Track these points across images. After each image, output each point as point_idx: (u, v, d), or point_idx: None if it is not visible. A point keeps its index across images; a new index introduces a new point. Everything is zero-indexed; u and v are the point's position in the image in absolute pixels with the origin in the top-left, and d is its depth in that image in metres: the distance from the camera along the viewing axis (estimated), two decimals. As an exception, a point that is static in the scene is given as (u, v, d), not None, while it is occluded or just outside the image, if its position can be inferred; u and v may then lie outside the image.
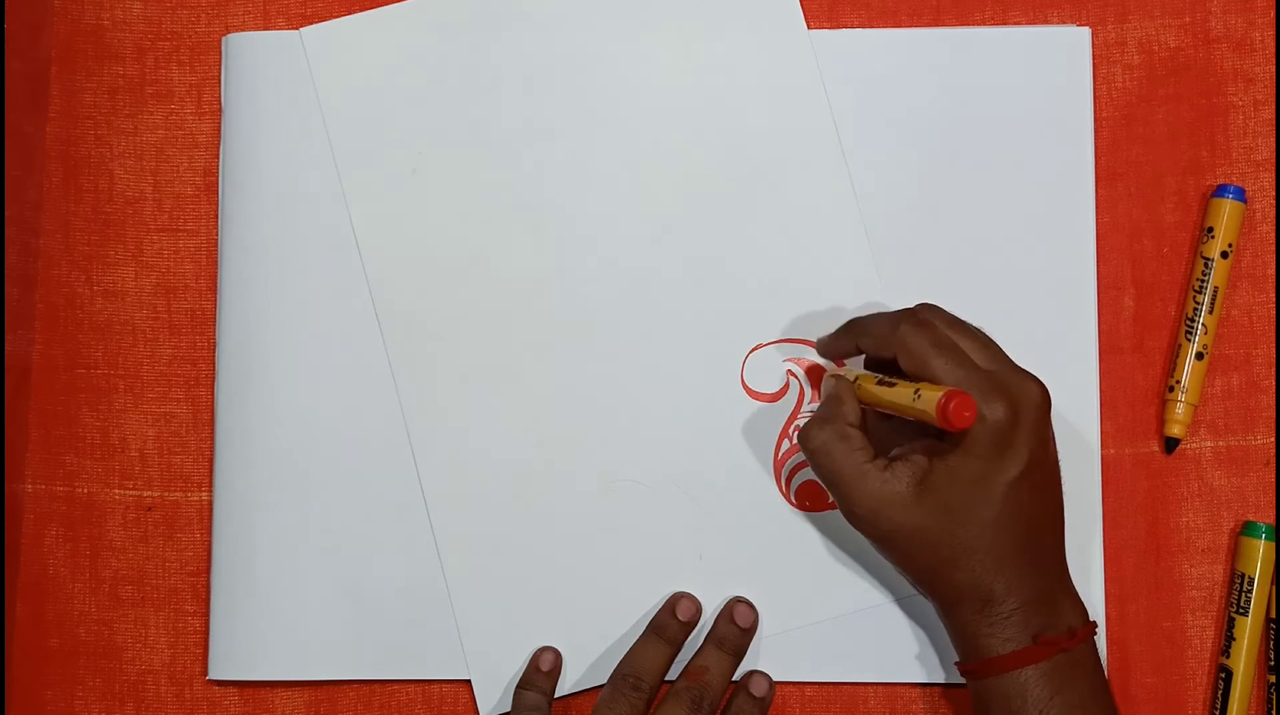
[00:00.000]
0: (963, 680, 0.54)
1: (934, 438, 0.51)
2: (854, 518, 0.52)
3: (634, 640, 0.57)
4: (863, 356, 0.55)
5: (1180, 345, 0.59)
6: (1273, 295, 0.60)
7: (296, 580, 0.58)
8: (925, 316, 0.52)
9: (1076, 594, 0.52)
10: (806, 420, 0.54)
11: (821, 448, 0.52)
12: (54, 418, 0.61)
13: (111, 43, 0.62)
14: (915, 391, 0.49)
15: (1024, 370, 0.51)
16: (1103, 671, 0.52)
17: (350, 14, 0.61)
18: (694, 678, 0.56)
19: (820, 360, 0.59)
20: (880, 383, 0.52)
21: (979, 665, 0.51)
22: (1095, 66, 0.60)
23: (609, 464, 0.59)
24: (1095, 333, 0.59)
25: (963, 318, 0.53)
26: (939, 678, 0.58)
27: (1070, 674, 0.50)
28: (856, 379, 0.54)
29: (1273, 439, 0.59)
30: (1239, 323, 0.60)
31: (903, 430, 0.53)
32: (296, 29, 0.61)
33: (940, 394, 0.48)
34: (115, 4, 0.62)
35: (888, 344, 0.52)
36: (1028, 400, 0.50)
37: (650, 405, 0.59)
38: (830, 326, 0.58)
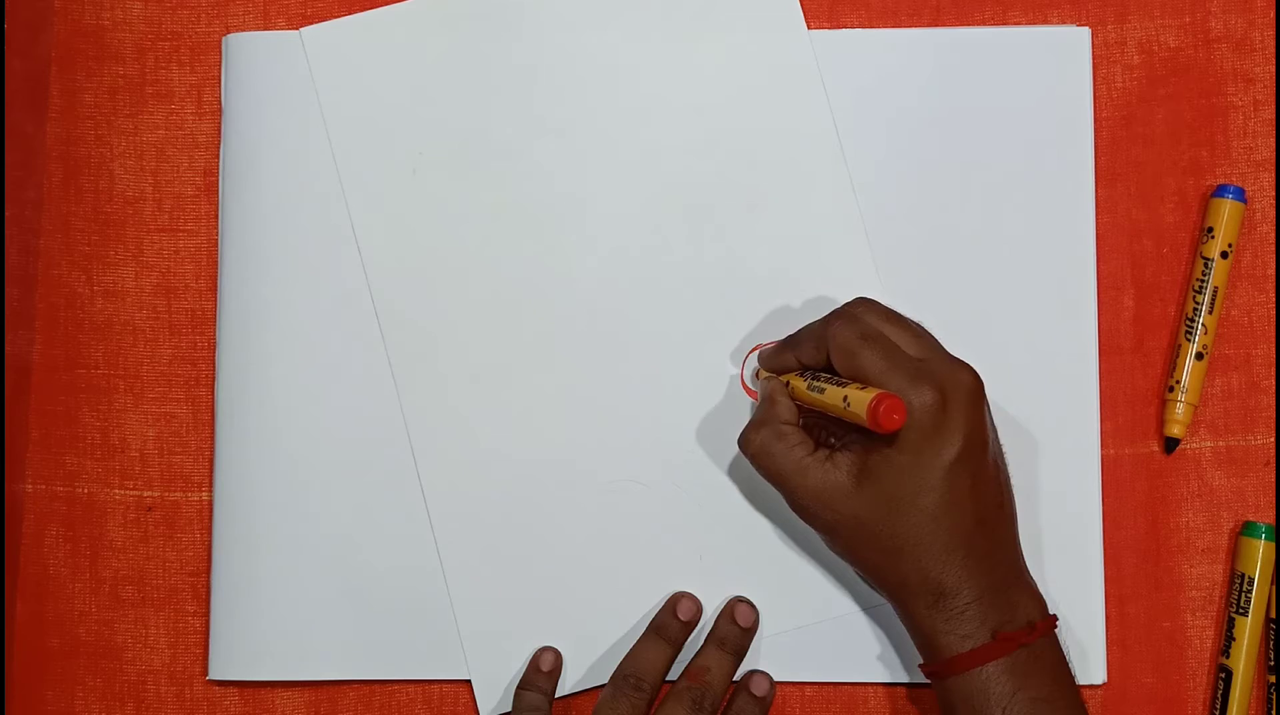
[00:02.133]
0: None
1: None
2: (800, 510, 0.53)
3: (634, 640, 0.57)
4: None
5: (1180, 345, 0.59)
6: (1273, 295, 0.60)
7: (296, 580, 0.58)
8: (855, 311, 0.53)
9: (1034, 586, 0.52)
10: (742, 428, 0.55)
11: (761, 449, 0.53)
12: (54, 418, 0.61)
13: (112, 43, 0.62)
14: (844, 397, 0.50)
15: (956, 358, 0.52)
16: (1067, 664, 0.51)
17: (350, 14, 0.61)
18: (695, 678, 0.56)
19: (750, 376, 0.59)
20: (811, 387, 0.52)
21: (940, 666, 0.51)
22: (1095, 66, 0.60)
23: (609, 464, 0.59)
24: (1095, 333, 0.59)
25: (901, 314, 0.53)
26: (939, 678, 0.58)
27: (1032, 668, 0.50)
28: (788, 381, 0.54)
29: (1273, 439, 0.59)
30: (1239, 323, 0.60)
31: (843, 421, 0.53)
32: (296, 29, 0.61)
33: (870, 397, 0.48)
34: (115, 4, 0.62)
35: (821, 345, 0.52)
36: (957, 385, 0.50)
37: (650, 405, 0.59)
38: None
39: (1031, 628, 0.50)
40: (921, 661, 0.53)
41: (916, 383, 0.49)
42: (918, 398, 0.49)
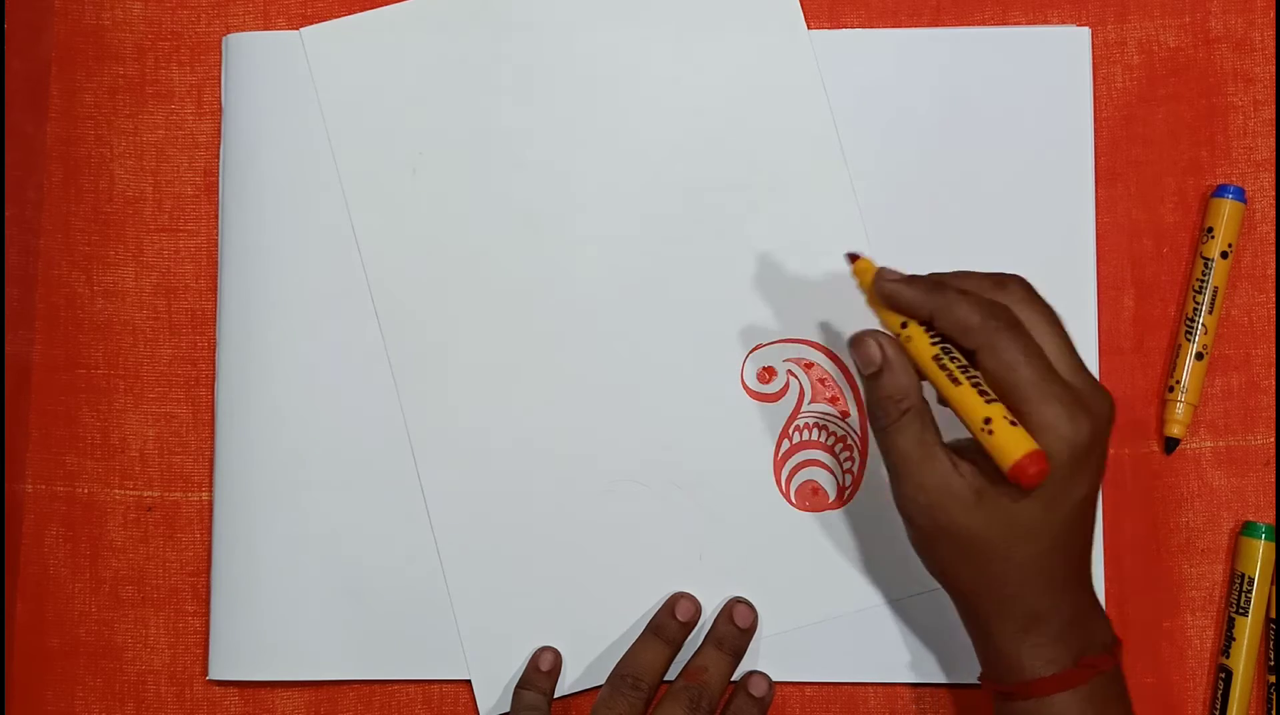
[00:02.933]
0: (962, 681, 0.55)
1: None
2: (911, 503, 0.48)
3: (634, 640, 0.57)
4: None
5: (1180, 345, 0.59)
6: (1273, 295, 0.60)
7: (296, 580, 0.58)
8: (1017, 315, 0.47)
9: (1102, 608, 0.50)
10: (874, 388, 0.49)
11: (905, 425, 0.48)
12: (54, 418, 0.61)
13: (112, 43, 0.62)
14: (986, 421, 0.45)
15: (1098, 383, 0.48)
16: (1128, 692, 0.50)
17: (350, 14, 0.61)
18: (693, 677, 0.56)
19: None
20: (944, 367, 0.47)
21: (1017, 687, 0.48)
22: (1095, 66, 0.60)
23: (609, 464, 0.59)
24: (1095, 333, 0.59)
25: (1056, 313, 0.49)
26: (939, 678, 0.58)
27: (1106, 694, 0.48)
28: (909, 334, 0.48)
29: (1273, 439, 0.59)
30: (1239, 323, 0.60)
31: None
32: (296, 29, 0.61)
33: (1020, 452, 0.44)
34: (115, 4, 0.62)
35: (972, 334, 0.47)
36: (1104, 419, 0.47)
37: (650, 405, 0.59)
38: (829, 327, 0.58)
39: (1109, 654, 0.49)
40: (984, 675, 0.51)
41: (1075, 414, 0.46)
42: (1072, 433, 0.46)
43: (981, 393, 0.46)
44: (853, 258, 0.51)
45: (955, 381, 0.47)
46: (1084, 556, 0.49)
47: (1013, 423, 0.46)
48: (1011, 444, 0.45)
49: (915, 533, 0.49)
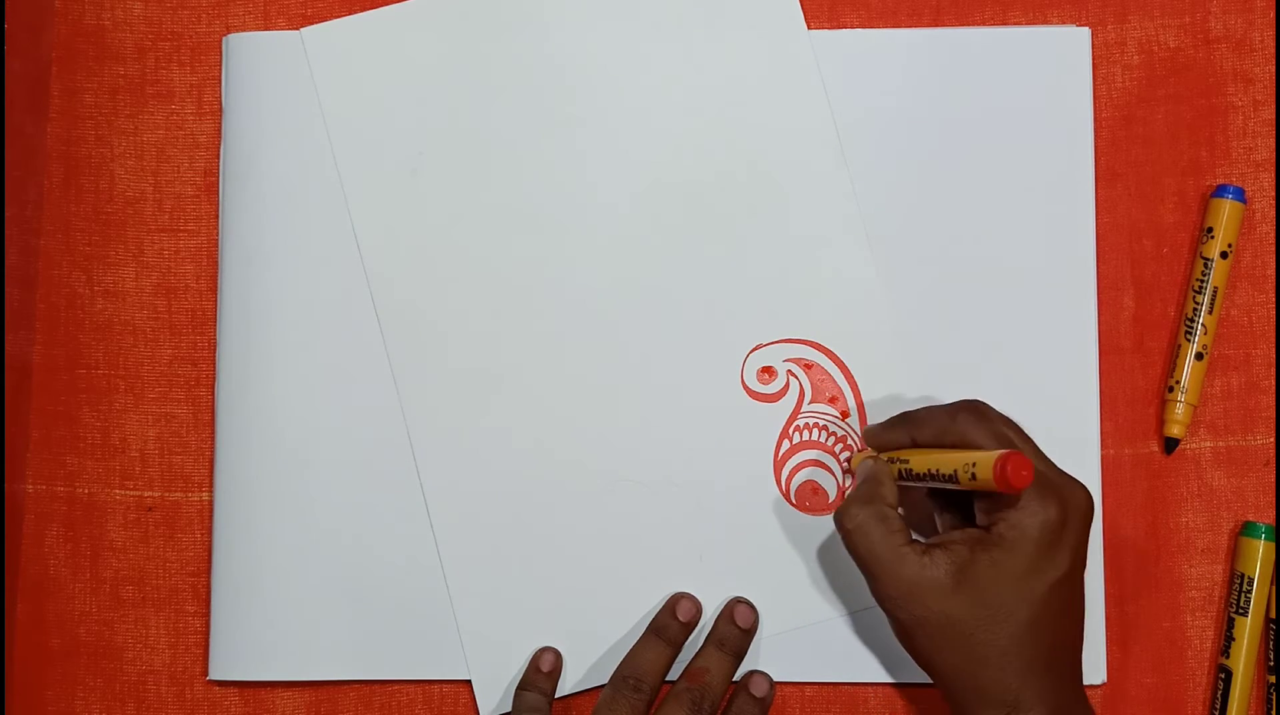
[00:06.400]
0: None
1: (980, 528, 0.50)
2: (886, 600, 0.51)
3: (634, 641, 0.57)
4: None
5: (1180, 345, 0.59)
6: (1272, 295, 0.60)
7: (297, 580, 0.59)
8: (982, 409, 0.52)
9: (1090, 707, 0.51)
10: (842, 501, 0.53)
11: (859, 528, 0.51)
12: (54, 418, 0.61)
13: (112, 43, 0.62)
14: (971, 463, 0.48)
15: (1070, 476, 0.51)
16: None
17: (350, 14, 0.61)
18: (694, 678, 0.56)
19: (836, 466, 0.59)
20: (902, 458, 0.52)
21: None
22: (1095, 66, 0.60)
23: (609, 464, 0.59)
24: (1095, 333, 0.59)
25: (1015, 422, 0.52)
26: (939, 678, 0.58)
27: None
28: (891, 459, 0.54)
29: (1272, 439, 0.59)
30: (1239, 323, 0.60)
31: (930, 520, 0.54)
32: (297, 29, 0.61)
33: (995, 455, 0.47)
34: (116, 4, 0.62)
35: (945, 433, 0.51)
36: (1077, 504, 0.50)
37: (650, 405, 0.59)
38: (829, 327, 0.58)
39: None
40: None
41: (1044, 494, 0.49)
42: (1044, 510, 0.48)
43: (960, 452, 0.50)
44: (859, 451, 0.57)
45: (935, 462, 0.51)
46: (1068, 647, 0.50)
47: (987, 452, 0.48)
48: (989, 456, 0.47)
49: (896, 625, 0.51)
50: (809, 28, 0.60)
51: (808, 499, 0.58)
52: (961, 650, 0.49)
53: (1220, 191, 0.59)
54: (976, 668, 0.49)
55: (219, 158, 0.61)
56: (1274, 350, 0.59)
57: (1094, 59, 0.60)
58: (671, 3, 0.60)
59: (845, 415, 0.59)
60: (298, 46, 0.61)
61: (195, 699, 0.60)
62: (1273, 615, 0.57)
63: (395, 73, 0.61)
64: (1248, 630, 0.57)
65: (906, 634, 0.51)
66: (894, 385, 0.59)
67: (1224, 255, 0.59)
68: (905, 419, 0.54)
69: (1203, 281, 0.59)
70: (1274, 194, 0.60)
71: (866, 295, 0.59)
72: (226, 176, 0.61)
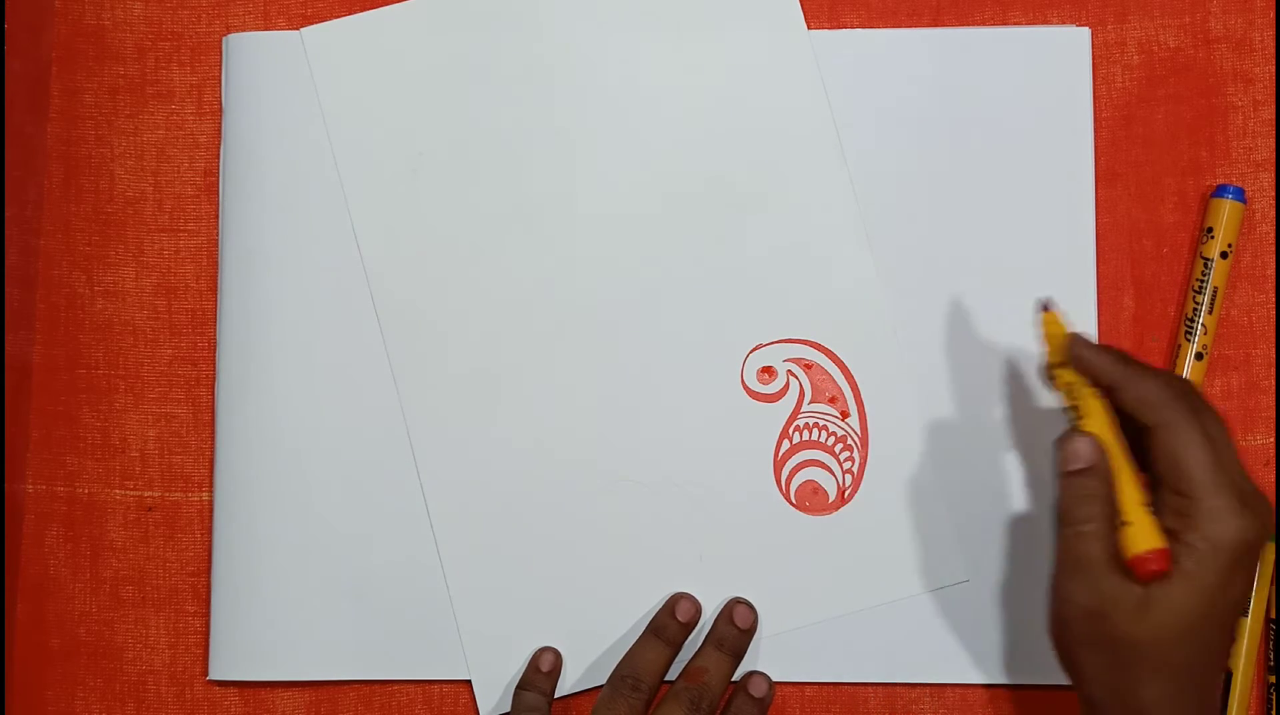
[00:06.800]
0: (963, 681, 0.54)
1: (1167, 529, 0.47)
2: (1073, 606, 0.47)
3: (634, 641, 0.57)
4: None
5: (1180, 345, 0.59)
6: (1272, 295, 0.60)
7: (296, 580, 0.59)
8: (1197, 403, 0.48)
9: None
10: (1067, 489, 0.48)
11: (1089, 534, 0.47)
12: (54, 418, 0.61)
13: (112, 43, 0.62)
14: (1128, 517, 0.47)
15: (1263, 493, 0.48)
16: None
17: (350, 14, 0.61)
18: (693, 678, 0.56)
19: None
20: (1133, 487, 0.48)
21: None
22: (1095, 66, 0.60)
23: (609, 464, 0.59)
24: (1095, 333, 0.59)
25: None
26: (939, 678, 0.58)
27: None
28: (1088, 404, 0.49)
29: (1272, 439, 0.59)
30: (1238, 323, 0.60)
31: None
32: (297, 29, 0.61)
33: (1149, 547, 0.46)
34: (116, 4, 0.62)
35: (1155, 410, 0.47)
36: (1267, 527, 0.47)
37: (650, 405, 0.59)
38: (829, 327, 0.58)
39: None
40: None
41: (1242, 511, 0.46)
42: (1239, 527, 0.45)
43: (1139, 506, 0.47)
44: (1044, 306, 0.52)
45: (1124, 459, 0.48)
46: (1220, 667, 0.48)
47: (1149, 513, 0.47)
48: (1144, 536, 0.46)
49: (1066, 633, 0.48)
50: (809, 28, 0.60)
51: (807, 499, 0.58)
52: (1142, 669, 0.46)
53: (1220, 191, 0.59)
54: (1144, 687, 0.46)
55: (219, 158, 0.61)
56: (1274, 350, 0.59)
57: (1094, 59, 0.60)
58: (671, 3, 0.60)
59: (845, 415, 0.59)
60: (298, 46, 0.61)
61: (195, 699, 0.60)
62: (1273, 615, 0.57)
63: (395, 73, 0.61)
64: (1248, 630, 0.57)
65: (1075, 644, 0.48)
66: (894, 385, 0.59)
67: (1224, 255, 0.58)
68: (1126, 364, 0.49)
69: (1203, 281, 0.59)
70: (1274, 194, 0.60)
71: (866, 295, 0.59)
72: (226, 176, 0.61)
